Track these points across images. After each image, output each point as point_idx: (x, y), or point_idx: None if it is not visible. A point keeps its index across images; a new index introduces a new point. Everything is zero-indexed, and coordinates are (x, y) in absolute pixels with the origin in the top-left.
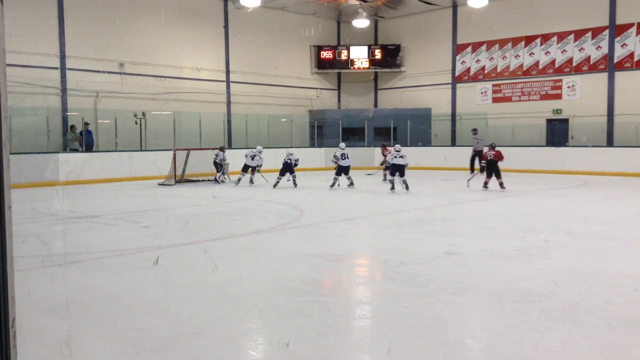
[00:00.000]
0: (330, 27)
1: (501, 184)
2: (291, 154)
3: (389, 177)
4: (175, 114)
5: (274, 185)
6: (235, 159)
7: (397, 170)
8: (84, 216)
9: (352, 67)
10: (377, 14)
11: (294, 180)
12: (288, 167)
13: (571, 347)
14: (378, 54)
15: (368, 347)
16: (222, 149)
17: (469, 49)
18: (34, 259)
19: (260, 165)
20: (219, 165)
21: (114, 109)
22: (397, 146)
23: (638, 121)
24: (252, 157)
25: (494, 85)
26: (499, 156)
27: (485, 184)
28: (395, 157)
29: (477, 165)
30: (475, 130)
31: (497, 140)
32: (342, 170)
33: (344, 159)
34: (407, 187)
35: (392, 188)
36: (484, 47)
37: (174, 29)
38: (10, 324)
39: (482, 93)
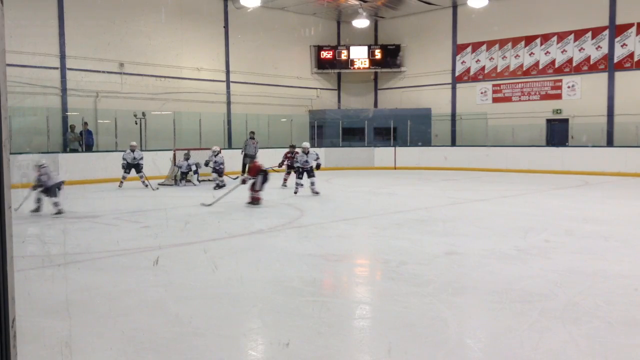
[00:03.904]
0: (330, 27)
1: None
2: (140, 157)
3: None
4: (175, 114)
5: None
6: (235, 159)
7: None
8: (84, 216)
9: (352, 67)
10: (377, 14)
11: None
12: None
13: (571, 347)
14: (378, 54)
15: (368, 347)
16: (186, 158)
17: (469, 49)
18: (34, 259)
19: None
20: (185, 174)
21: (114, 109)
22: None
23: (638, 121)
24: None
25: (494, 85)
26: (253, 169)
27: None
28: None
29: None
30: (252, 134)
31: (497, 141)
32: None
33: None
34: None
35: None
36: (484, 47)
37: (174, 29)
38: (10, 324)
39: (482, 93)
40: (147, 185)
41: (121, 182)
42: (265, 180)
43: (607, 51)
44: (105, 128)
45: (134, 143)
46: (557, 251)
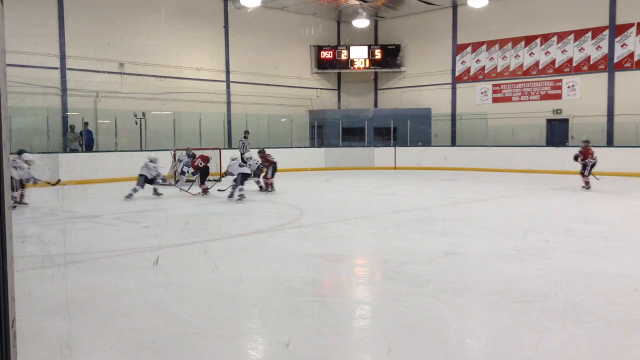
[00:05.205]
0: (330, 27)
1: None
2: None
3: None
4: (175, 114)
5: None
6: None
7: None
8: (84, 216)
9: (352, 67)
10: (377, 14)
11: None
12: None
13: (571, 347)
14: (378, 54)
15: (368, 347)
16: (188, 154)
17: (469, 49)
18: (34, 259)
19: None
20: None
21: (114, 109)
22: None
23: (638, 121)
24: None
25: (494, 85)
26: (197, 160)
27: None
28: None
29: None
30: (246, 133)
31: (497, 141)
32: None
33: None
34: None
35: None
36: (484, 47)
37: (174, 29)
38: (10, 324)
39: (482, 93)
40: (160, 194)
41: (130, 194)
42: (203, 174)
43: (607, 51)
44: (106, 128)
45: (154, 155)
46: (557, 251)
